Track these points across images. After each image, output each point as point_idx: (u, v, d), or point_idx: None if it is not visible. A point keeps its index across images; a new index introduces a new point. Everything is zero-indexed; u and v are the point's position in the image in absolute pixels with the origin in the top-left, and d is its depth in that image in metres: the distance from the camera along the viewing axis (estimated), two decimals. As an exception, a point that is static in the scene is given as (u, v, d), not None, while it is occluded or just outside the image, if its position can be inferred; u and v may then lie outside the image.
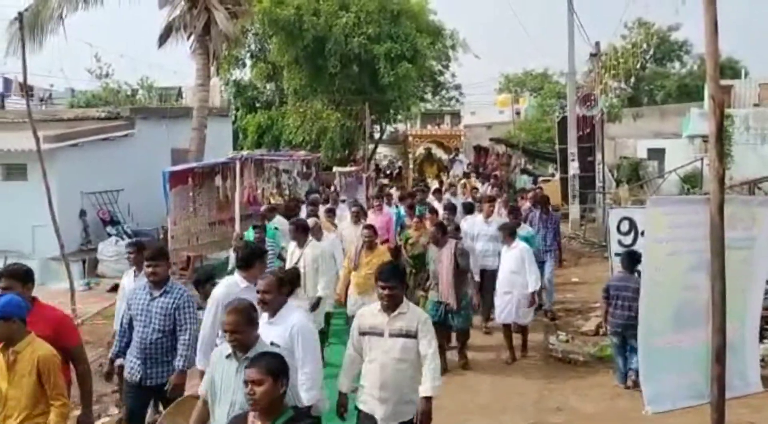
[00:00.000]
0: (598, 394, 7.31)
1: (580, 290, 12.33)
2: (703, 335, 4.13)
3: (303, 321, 4.51)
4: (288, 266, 7.98)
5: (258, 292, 4.54)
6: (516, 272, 8.38)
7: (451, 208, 10.49)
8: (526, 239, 9.00)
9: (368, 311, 4.73)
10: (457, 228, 9.79)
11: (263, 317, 4.42)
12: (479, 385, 7.74)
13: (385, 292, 4.49)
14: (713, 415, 4.08)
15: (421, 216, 10.47)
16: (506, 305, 8.44)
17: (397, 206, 13.02)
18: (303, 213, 11.59)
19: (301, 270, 7.32)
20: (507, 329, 8.49)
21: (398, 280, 4.62)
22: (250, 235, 9.09)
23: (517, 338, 8.63)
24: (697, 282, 4.15)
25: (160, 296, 5.34)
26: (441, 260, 7.91)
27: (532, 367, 8.28)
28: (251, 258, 5.38)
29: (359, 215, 10.36)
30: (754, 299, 4.43)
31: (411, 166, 28.75)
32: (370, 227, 8.48)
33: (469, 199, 13.67)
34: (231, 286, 5.33)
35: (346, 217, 11.37)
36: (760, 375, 4.40)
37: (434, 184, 20.19)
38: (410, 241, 9.67)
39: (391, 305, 4.51)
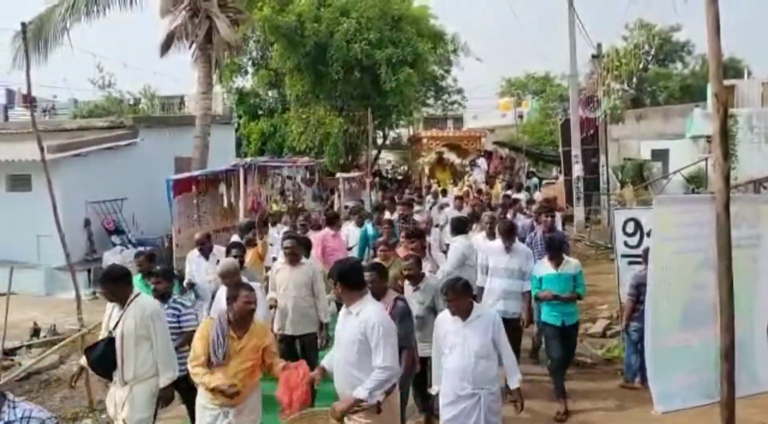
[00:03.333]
0: (607, 395, 7.29)
1: (586, 292, 12.27)
2: (712, 333, 4.10)
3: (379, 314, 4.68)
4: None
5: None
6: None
7: (417, 234, 7.78)
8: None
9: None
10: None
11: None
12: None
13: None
14: (723, 414, 4.05)
15: (393, 243, 8.23)
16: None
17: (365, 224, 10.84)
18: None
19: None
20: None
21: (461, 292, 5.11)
22: (140, 284, 7.10)
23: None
24: (704, 281, 4.13)
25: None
26: None
27: (539, 370, 8.26)
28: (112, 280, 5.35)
29: (294, 253, 7.08)
30: (762, 296, 4.40)
31: (426, 171, 26.63)
32: (293, 237, 7.37)
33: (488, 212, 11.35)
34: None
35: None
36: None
37: (452, 191, 19.34)
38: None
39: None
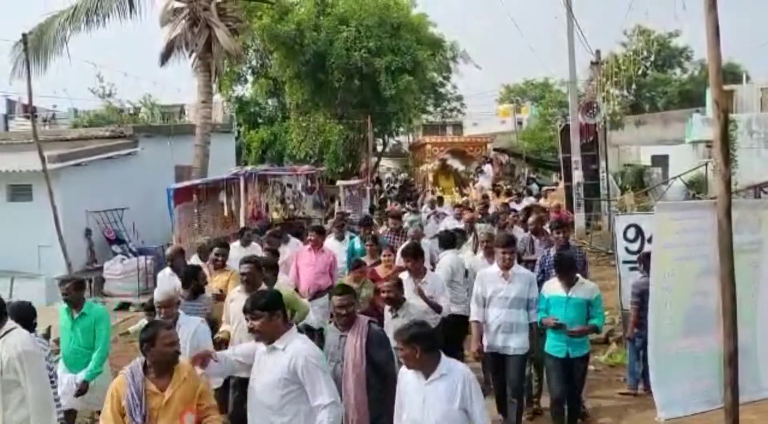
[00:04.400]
0: (610, 402, 7.27)
1: (605, 322, 12.23)
2: (714, 339, 4.10)
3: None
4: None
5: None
6: None
7: (413, 253, 6.81)
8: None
9: None
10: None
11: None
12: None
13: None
14: (727, 420, 4.04)
15: (358, 263, 7.67)
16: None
17: (352, 238, 10.17)
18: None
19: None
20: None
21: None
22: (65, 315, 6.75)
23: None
24: (706, 287, 4.12)
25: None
26: (345, 358, 4.83)
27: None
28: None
29: (250, 280, 6.03)
30: (764, 301, 4.39)
31: (430, 178, 25.35)
32: (250, 262, 6.15)
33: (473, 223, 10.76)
34: None
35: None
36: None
37: (456, 199, 18.80)
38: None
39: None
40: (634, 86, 23.26)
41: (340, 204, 19.82)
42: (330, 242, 9.77)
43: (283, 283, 7.27)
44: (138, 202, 15.34)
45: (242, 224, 13.08)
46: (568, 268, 6.06)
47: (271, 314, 4.08)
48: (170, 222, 13.00)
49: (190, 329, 5.42)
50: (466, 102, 36.94)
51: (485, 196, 17.11)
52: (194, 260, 8.30)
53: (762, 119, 24.00)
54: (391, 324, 5.58)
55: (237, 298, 5.95)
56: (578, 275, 6.18)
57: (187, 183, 14.27)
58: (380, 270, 7.59)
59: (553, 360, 6.11)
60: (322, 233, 9.24)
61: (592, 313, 6.04)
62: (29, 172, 13.15)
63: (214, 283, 7.24)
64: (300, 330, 7.68)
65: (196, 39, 16.41)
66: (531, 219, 10.03)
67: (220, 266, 7.57)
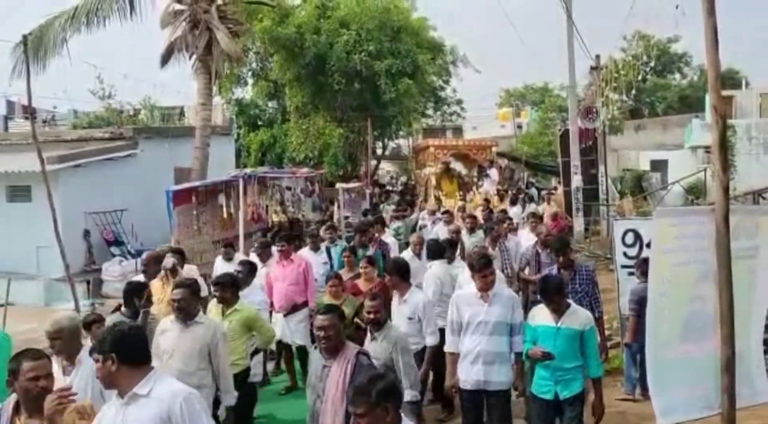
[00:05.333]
0: (608, 409, 7.24)
1: (603, 369, 12.20)
2: (712, 345, 4.10)
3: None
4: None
5: None
6: None
7: (399, 268, 6.18)
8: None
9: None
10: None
11: None
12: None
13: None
14: (724, 426, 4.06)
15: (334, 276, 7.06)
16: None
17: (328, 249, 9.47)
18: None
19: None
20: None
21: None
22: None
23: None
24: (704, 292, 4.12)
25: None
26: (326, 394, 4.16)
27: None
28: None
29: (182, 308, 5.16)
30: (759, 307, 4.40)
31: (432, 181, 24.05)
32: (184, 286, 5.21)
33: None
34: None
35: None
36: None
37: (456, 204, 18.01)
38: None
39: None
40: (633, 91, 23.24)
41: (339, 207, 19.81)
42: (304, 253, 9.17)
43: (260, 302, 7.04)
44: (137, 203, 15.35)
45: (241, 227, 13.04)
46: (554, 292, 5.15)
47: (116, 357, 3.14)
48: (169, 224, 13.00)
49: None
50: (465, 106, 36.93)
51: (487, 201, 16.60)
52: (139, 277, 7.27)
53: (761, 125, 24.04)
54: (369, 347, 4.90)
55: (169, 329, 5.10)
56: (570, 301, 5.33)
57: (186, 185, 14.26)
58: (361, 284, 7.02)
59: (539, 402, 5.19)
60: (290, 241, 8.59)
61: (584, 349, 5.13)
62: (28, 173, 13.17)
63: (160, 296, 6.54)
64: (265, 353, 7.57)
65: (197, 41, 16.43)
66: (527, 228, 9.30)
67: (174, 276, 6.82)
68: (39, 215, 12.21)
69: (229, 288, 6.09)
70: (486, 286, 5.35)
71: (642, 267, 6.94)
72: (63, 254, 11.16)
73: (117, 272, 13.91)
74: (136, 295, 5.85)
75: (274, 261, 8.46)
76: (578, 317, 5.16)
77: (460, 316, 5.38)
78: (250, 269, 7.34)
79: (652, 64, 38.79)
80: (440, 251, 7.48)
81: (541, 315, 5.21)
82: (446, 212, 13.21)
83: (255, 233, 13.42)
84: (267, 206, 16.07)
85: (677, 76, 43.71)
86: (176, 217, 12.97)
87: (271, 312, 8.00)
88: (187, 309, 5.10)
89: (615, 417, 6.95)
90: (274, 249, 8.75)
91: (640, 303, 6.99)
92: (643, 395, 6.99)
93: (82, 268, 14.48)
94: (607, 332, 9.62)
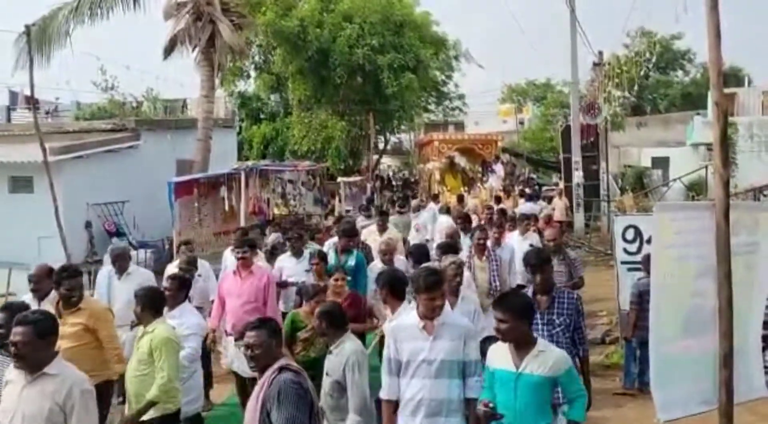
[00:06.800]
0: (606, 403, 7.28)
1: (585, 298, 12.26)
2: (711, 341, 4.12)
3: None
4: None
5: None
6: None
7: (392, 281, 5.05)
8: None
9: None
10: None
11: None
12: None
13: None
14: (721, 421, 4.07)
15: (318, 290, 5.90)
16: None
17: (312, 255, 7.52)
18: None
19: None
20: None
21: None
22: None
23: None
24: (704, 288, 4.14)
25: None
26: (248, 404, 3.83)
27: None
28: None
29: (21, 354, 3.76)
30: (757, 303, 4.42)
31: (437, 176, 23.57)
32: (25, 322, 3.76)
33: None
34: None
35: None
36: (765, 380, 4.39)
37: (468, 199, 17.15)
38: (301, 332, 5.59)
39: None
40: (636, 88, 23.20)
41: (340, 201, 19.85)
42: (284, 260, 8.06)
43: (194, 325, 5.56)
44: (139, 195, 15.37)
45: (242, 220, 13.07)
46: (517, 317, 3.84)
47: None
48: (171, 216, 13.03)
49: None
50: (467, 101, 36.92)
51: (498, 198, 15.77)
52: (26, 297, 5.94)
53: (763, 123, 24.02)
54: (326, 361, 4.54)
55: (13, 381, 3.83)
56: (538, 336, 4.07)
57: (188, 177, 14.30)
58: (329, 298, 5.81)
59: None
60: (253, 246, 7.14)
61: (566, 393, 4.02)
62: (31, 163, 13.20)
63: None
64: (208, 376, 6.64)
65: (200, 33, 16.42)
66: (548, 233, 7.80)
67: (75, 303, 5.45)
68: (41, 206, 12.25)
69: (143, 302, 5.00)
70: (430, 312, 4.09)
71: (646, 263, 6.97)
72: (64, 245, 11.22)
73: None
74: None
75: (230, 270, 7.00)
76: (549, 358, 3.82)
77: (399, 353, 4.13)
78: (180, 284, 5.74)
79: (655, 60, 38.70)
80: (426, 254, 6.63)
81: (500, 355, 3.91)
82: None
83: (255, 226, 13.45)
84: (268, 199, 16.11)
85: (680, 73, 43.64)
86: (178, 209, 13.01)
87: (206, 338, 6.52)
88: (30, 356, 3.67)
89: (614, 412, 7.00)
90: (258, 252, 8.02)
91: (640, 296, 7.04)
92: (641, 390, 7.03)
93: (84, 259, 14.49)
94: (606, 328, 9.72)
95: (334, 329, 4.50)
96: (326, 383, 4.39)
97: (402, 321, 4.30)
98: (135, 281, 6.66)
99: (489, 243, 7.67)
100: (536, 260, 4.94)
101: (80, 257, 14.05)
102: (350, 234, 7.98)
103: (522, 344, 3.82)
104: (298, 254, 7.88)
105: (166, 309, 5.28)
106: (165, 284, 5.75)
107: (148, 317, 4.96)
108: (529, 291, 4.91)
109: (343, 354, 4.34)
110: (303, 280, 7.27)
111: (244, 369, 6.10)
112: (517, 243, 8.66)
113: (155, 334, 4.85)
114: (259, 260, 7.88)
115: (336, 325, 4.52)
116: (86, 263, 14.49)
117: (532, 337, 3.92)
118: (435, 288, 4.10)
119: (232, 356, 6.61)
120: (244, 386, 6.44)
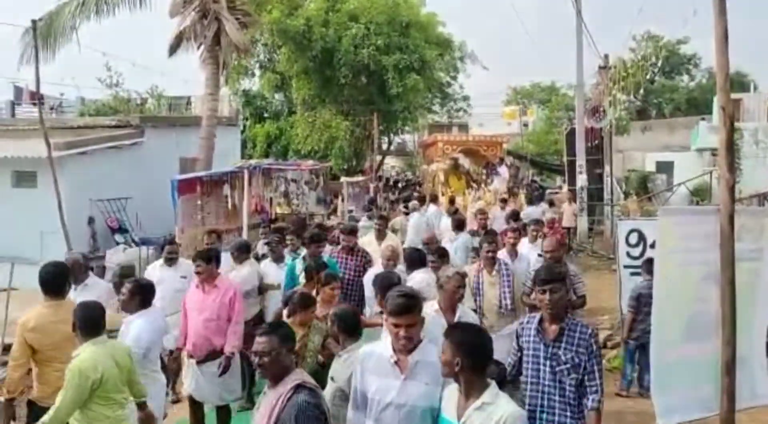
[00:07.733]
0: (607, 406, 7.26)
1: (587, 302, 12.23)
2: (713, 346, 4.10)
3: None
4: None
5: None
6: None
7: (345, 320, 4.40)
8: None
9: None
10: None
11: None
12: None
13: None
14: (723, 427, 4.06)
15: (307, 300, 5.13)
16: None
17: (294, 258, 7.36)
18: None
19: None
20: None
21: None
22: None
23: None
24: (707, 293, 4.11)
25: None
26: (257, 421, 3.36)
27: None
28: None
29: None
30: (762, 310, 4.39)
31: (440, 177, 23.12)
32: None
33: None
34: None
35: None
36: None
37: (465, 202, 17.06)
38: None
39: None
40: (641, 92, 23.13)
41: (343, 200, 19.83)
42: (266, 265, 7.64)
43: (139, 343, 4.89)
44: (142, 192, 15.39)
45: (245, 218, 13.05)
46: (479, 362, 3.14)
47: None
48: (173, 213, 13.03)
49: None
50: (472, 103, 36.93)
51: (504, 200, 15.00)
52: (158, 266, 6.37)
53: (768, 129, 23.94)
54: (333, 365, 4.21)
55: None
56: (491, 387, 3.13)
57: (191, 175, 14.30)
58: (318, 307, 5.29)
59: None
60: (209, 260, 5.89)
61: None
62: (35, 158, 13.21)
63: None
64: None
65: (205, 31, 16.42)
66: (547, 243, 6.72)
67: None
68: (44, 201, 12.26)
69: (77, 317, 4.32)
70: (399, 344, 3.40)
71: (647, 267, 6.97)
72: (67, 240, 11.23)
73: (121, 260, 13.95)
74: None
75: (193, 284, 6.07)
76: (494, 414, 3.04)
77: (365, 387, 3.50)
78: (136, 289, 5.20)
79: (660, 64, 38.67)
80: (422, 259, 6.22)
81: (449, 399, 3.28)
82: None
83: (258, 224, 13.44)
84: (271, 198, 16.10)
85: (685, 77, 43.61)
86: (181, 206, 13.00)
87: (169, 360, 6.31)
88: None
89: (613, 416, 6.98)
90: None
91: (637, 299, 7.05)
92: (640, 394, 7.02)
93: (86, 254, 14.52)
94: (608, 332, 9.69)
95: (346, 335, 4.20)
96: (329, 389, 4.00)
97: (373, 349, 3.59)
98: (91, 294, 5.63)
99: (501, 254, 6.88)
100: (548, 276, 4.04)
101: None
102: (317, 240, 7.14)
103: (470, 390, 3.12)
104: (278, 259, 7.49)
105: (124, 314, 4.95)
106: (123, 288, 5.30)
107: (80, 339, 4.28)
108: (535, 319, 4.07)
109: (347, 366, 3.92)
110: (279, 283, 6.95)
111: (207, 397, 5.78)
112: (526, 251, 7.90)
113: (75, 360, 4.14)
114: (250, 265, 7.45)
115: (348, 331, 4.21)
116: (88, 258, 14.51)
117: (484, 382, 3.14)
118: (404, 313, 3.39)
119: (192, 382, 5.86)
120: (200, 415, 5.99)
